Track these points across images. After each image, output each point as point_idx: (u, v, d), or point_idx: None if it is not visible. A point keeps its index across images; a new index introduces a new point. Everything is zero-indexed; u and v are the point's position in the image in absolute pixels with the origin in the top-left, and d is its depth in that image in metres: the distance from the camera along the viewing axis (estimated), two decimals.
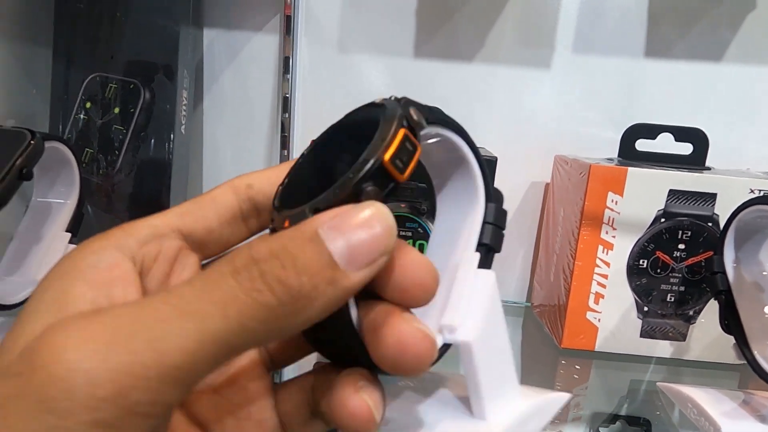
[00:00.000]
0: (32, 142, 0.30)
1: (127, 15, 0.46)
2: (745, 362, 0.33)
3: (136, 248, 0.16)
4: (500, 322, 0.19)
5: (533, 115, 0.51)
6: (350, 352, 0.15)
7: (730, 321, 0.34)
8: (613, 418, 0.44)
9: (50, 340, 0.12)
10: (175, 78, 0.47)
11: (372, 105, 0.17)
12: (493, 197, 0.19)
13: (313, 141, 0.18)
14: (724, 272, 0.35)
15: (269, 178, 0.18)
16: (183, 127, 0.49)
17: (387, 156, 0.14)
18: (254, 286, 0.12)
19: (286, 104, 0.52)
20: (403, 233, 0.42)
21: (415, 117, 0.15)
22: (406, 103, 0.16)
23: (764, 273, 0.34)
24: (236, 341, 0.12)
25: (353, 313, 0.15)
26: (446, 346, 0.17)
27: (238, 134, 0.55)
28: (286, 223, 0.15)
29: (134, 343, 0.12)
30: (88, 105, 0.46)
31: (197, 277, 0.13)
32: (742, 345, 0.33)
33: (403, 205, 0.42)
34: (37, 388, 0.11)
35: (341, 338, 0.15)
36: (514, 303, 0.55)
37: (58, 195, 0.37)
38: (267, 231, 0.17)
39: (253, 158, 0.55)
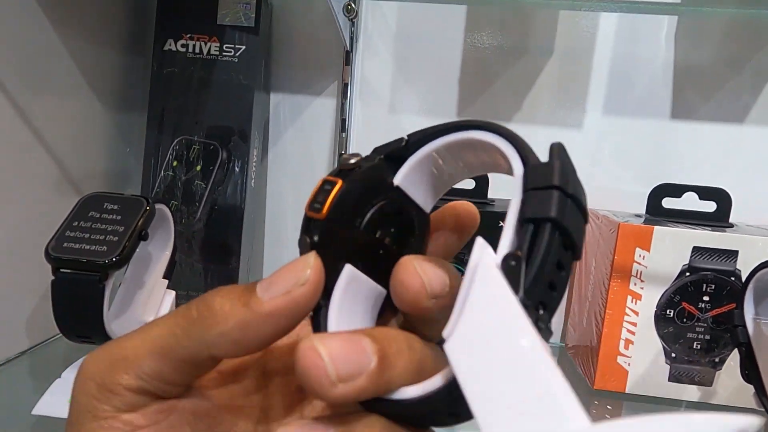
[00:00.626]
0: (148, 208, 0.37)
1: (209, 84, 0.54)
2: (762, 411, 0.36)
3: None
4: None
5: None
6: None
7: (750, 371, 0.37)
8: None
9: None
10: (248, 139, 0.54)
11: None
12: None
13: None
14: (744, 325, 0.38)
15: None
16: (253, 180, 0.55)
17: (306, 208, 0.17)
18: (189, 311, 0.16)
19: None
20: None
21: (349, 160, 0.18)
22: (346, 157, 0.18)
23: None
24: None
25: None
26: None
27: (298, 186, 0.61)
28: None
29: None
30: (174, 164, 0.54)
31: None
32: (761, 395, 0.36)
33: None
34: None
35: None
36: (551, 343, 0.59)
37: (158, 246, 0.43)
38: None
39: None
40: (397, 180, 0.18)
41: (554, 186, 0.15)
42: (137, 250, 0.44)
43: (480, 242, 0.15)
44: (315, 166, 0.60)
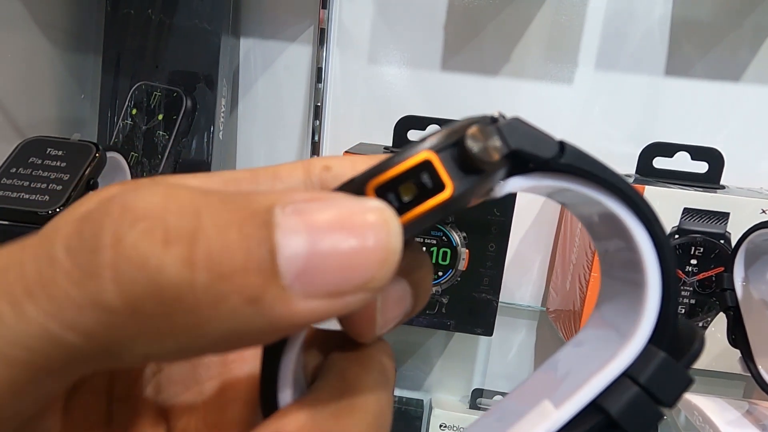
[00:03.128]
0: (98, 155, 0.33)
1: (171, 26, 0.49)
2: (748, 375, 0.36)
3: None
4: None
5: (554, 129, 0.53)
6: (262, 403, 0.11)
7: (737, 336, 0.36)
8: None
9: None
10: (215, 87, 0.49)
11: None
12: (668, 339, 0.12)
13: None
14: (733, 289, 0.37)
15: (349, 166, 0.13)
16: (221, 132, 0.51)
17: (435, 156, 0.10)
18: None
19: (317, 112, 0.54)
20: (428, 240, 0.45)
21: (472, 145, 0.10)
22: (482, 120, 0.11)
23: None
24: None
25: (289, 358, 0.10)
26: None
27: (270, 139, 0.58)
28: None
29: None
30: (134, 111, 0.49)
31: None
32: (748, 359, 0.35)
33: None
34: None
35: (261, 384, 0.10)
36: (530, 307, 0.58)
37: None
38: None
39: (284, 162, 0.58)
40: (505, 190, 0.12)
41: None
42: None
43: None
44: (288, 119, 0.57)
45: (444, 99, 0.54)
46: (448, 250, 0.45)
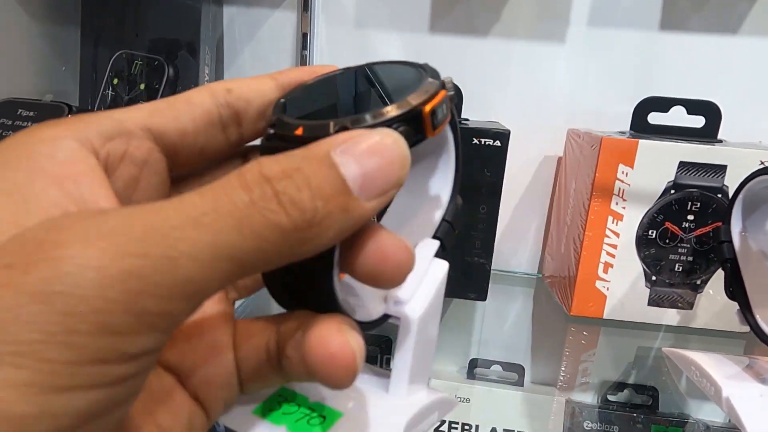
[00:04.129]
0: (69, 115, 0.32)
1: None
2: (749, 329, 0.35)
3: (99, 143, 0.14)
4: (438, 313, 0.19)
5: (548, 89, 0.52)
6: (320, 298, 0.14)
7: (735, 288, 0.35)
8: (621, 385, 0.45)
9: (55, 235, 0.10)
10: (197, 54, 0.48)
11: (406, 62, 0.17)
12: (456, 198, 0.19)
13: (334, 71, 0.18)
14: (730, 241, 0.36)
15: (251, 86, 0.16)
16: None
17: (428, 107, 0.14)
18: (268, 206, 0.11)
19: None
20: None
21: (451, 89, 0.16)
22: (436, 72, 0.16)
23: None
24: (248, 260, 0.11)
25: (336, 254, 0.14)
26: (385, 317, 0.17)
27: None
28: (299, 131, 0.14)
29: (147, 247, 0.10)
30: (115, 81, 0.48)
31: (207, 189, 0.11)
32: (746, 311, 0.34)
33: None
34: (37, 281, 0.10)
35: (315, 280, 0.14)
36: (527, 274, 0.57)
37: None
38: (258, 141, 0.16)
39: None
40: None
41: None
42: None
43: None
44: None
45: (434, 61, 0.52)
46: None
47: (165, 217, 0.11)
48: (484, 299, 0.46)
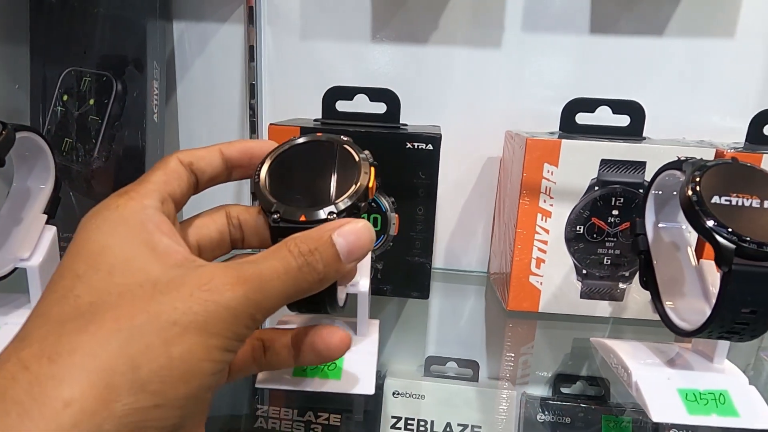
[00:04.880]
0: (3, 132, 0.34)
1: (97, 10, 0.49)
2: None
3: (161, 206, 0.22)
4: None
5: (487, 93, 0.54)
6: (330, 304, 0.25)
7: (648, 278, 0.37)
8: (574, 378, 0.47)
9: (214, 281, 0.19)
10: (144, 70, 0.50)
11: (328, 138, 0.27)
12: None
13: (285, 144, 0.27)
14: (644, 234, 0.38)
15: (205, 160, 0.25)
16: (155, 115, 0.52)
17: (371, 184, 0.25)
18: (306, 270, 0.21)
19: (252, 90, 0.55)
20: None
21: (370, 157, 0.26)
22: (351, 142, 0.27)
23: (680, 233, 0.37)
24: (294, 294, 0.21)
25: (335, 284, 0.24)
26: (348, 296, 0.29)
27: (211, 120, 0.58)
28: (302, 217, 0.24)
29: (263, 291, 0.20)
30: (65, 98, 0.50)
31: (274, 259, 0.21)
32: (656, 299, 0.36)
33: None
34: (204, 313, 0.18)
35: (324, 296, 0.24)
36: (476, 272, 0.59)
37: (36, 181, 0.40)
38: (273, 216, 0.24)
39: (224, 141, 0.58)
40: None
41: None
42: (14, 183, 0.40)
43: None
44: (226, 99, 0.57)
45: (376, 69, 0.54)
46: (378, 216, 0.46)
47: (264, 271, 0.20)
48: (427, 297, 0.48)
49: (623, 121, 0.46)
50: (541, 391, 0.47)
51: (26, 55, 0.50)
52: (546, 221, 0.44)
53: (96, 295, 0.18)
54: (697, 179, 0.30)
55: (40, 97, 0.50)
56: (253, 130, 0.56)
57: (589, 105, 0.46)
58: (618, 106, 0.46)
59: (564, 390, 0.47)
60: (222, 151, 0.26)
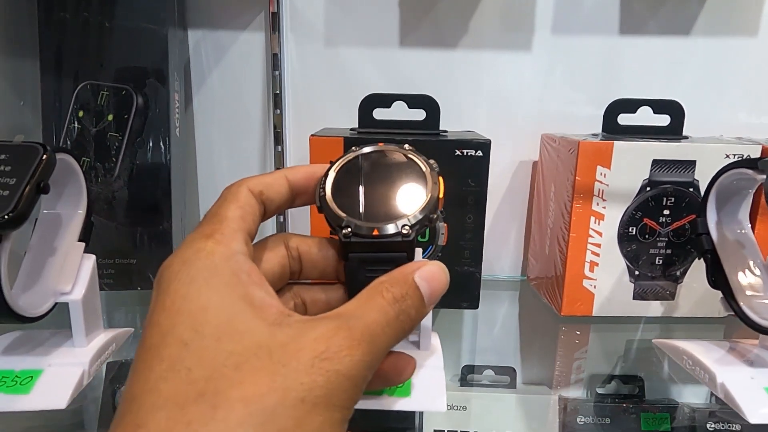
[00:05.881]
0: (45, 156, 0.31)
1: (113, 21, 0.46)
2: (730, 314, 0.36)
3: (245, 249, 0.21)
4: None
5: (518, 96, 0.53)
6: None
7: (717, 277, 0.37)
8: (610, 378, 0.47)
9: (332, 347, 0.18)
10: (166, 81, 0.47)
11: (388, 148, 0.26)
12: None
13: (347, 155, 0.26)
14: (708, 233, 0.37)
15: (274, 188, 0.24)
16: (177, 129, 0.49)
17: (440, 194, 0.24)
18: (400, 317, 0.20)
19: (277, 101, 0.53)
20: None
21: (436, 166, 0.25)
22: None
23: (743, 231, 0.37)
24: (393, 342, 0.20)
25: None
26: None
27: (230, 133, 0.55)
28: (375, 232, 0.23)
29: (375, 350, 0.19)
30: (80, 114, 0.46)
31: (373, 305, 0.20)
32: (729, 298, 0.36)
33: None
34: (328, 385, 0.17)
35: None
36: (511, 278, 0.58)
37: (67, 206, 0.37)
38: (343, 231, 0.23)
39: (247, 156, 0.55)
40: None
41: None
42: (42, 209, 0.37)
43: None
44: (247, 111, 0.55)
45: (405, 75, 0.53)
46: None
47: (371, 329, 0.19)
48: (477, 307, 0.47)
49: (663, 120, 0.46)
50: (579, 393, 0.46)
51: (35, 70, 0.46)
52: (599, 224, 0.43)
53: (209, 367, 0.17)
54: None
55: (52, 114, 0.46)
56: (278, 141, 0.53)
57: (631, 105, 0.46)
58: (659, 106, 0.46)
59: (600, 391, 0.47)
60: (288, 177, 0.25)
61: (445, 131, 0.47)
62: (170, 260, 0.20)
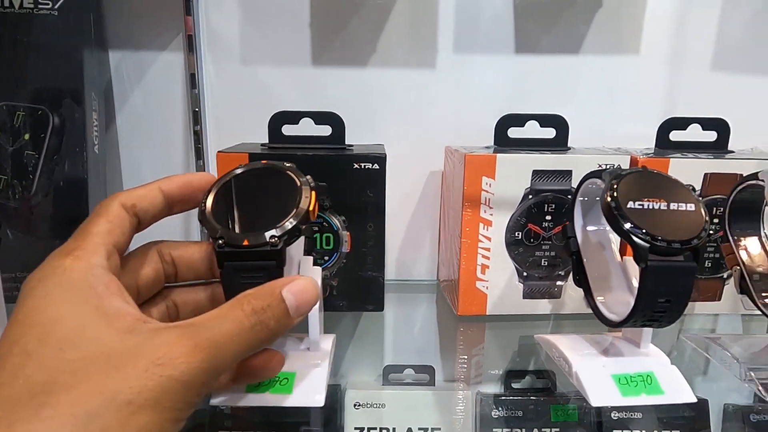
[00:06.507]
0: None
1: (28, 43, 0.48)
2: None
3: (107, 264, 0.23)
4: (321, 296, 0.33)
5: (425, 111, 0.57)
6: None
7: (580, 276, 0.41)
8: (522, 373, 0.50)
9: (169, 353, 0.20)
10: (82, 101, 0.49)
11: (271, 165, 0.30)
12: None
13: (230, 172, 0.29)
14: (575, 236, 0.41)
15: (147, 199, 0.27)
16: (96, 147, 0.51)
17: (311, 207, 0.27)
18: (258, 328, 0.23)
19: (196, 117, 0.55)
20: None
21: (313, 184, 0.29)
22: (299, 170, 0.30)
23: (605, 234, 0.41)
24: (247, 353, 0.23)
25: None
26: None
27: (154, 149, 0.58)
28: (246, 242, 0.26)
29: (218, 357, 0.21)
30: None
31: (228, 317, 0.22)
32: (588, 296, 0.40)
33: None
34: (158, 389, 0.19)
35: None
36: (426, 281, 0.61)
37: None
38: (218, 242, 0.26)
39: (171, 170, 0.58)
40: None
41: None
42: None
43: None
44: (170, 128, 0.57)
45: (319, 92, 0.56)
46: (330, 235, 0.47)
47: (217, 338, 0.21)
48: (382, 309, 0.50)
49: (549, 133, 0.50)
50: (494, 388, 0.50)
51: None
52: (487, 230, 0.47)
53: (48, 373, 0.18)
54: (615, 187, 0.34)
55: None
56: (199, 156, 0.56)
57: (519, 120, 0.50)
58: (545, 121, 0.50)
59: (515, 385, 0.50)
60: (161, 188, 0.27)
61: (351, 146, 0.50)
62: (29, 277, 0.22)
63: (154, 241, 0.28)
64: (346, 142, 0.50)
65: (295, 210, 0.27)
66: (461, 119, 0.57)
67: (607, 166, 0.46)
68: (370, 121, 0.57)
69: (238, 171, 0.30)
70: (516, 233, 0.47)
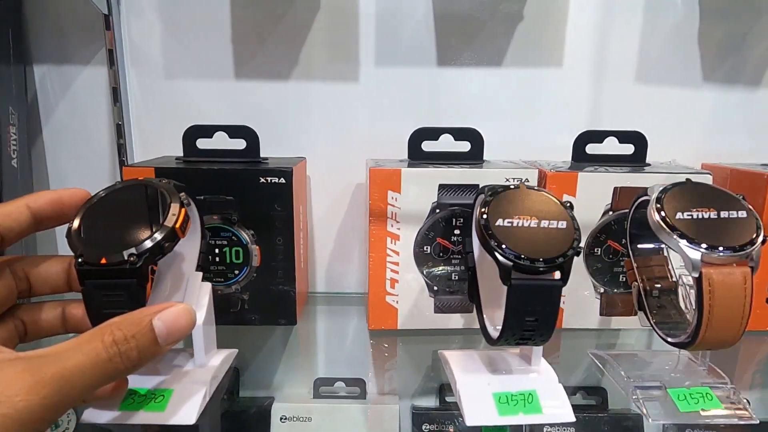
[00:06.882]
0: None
1: None
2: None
3: None
4: (210, 306, 0.35)
5: (348, 124, 0.57)
6: None
7: (473, 291, 0.40)
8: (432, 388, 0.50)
9: (7, 391, 0.19)
10: None
11: (146, 182, 0.30)
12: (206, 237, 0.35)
13: (103, 190, 0.30)
14: (471, 252, 0.41)
15: (11, 217, 0.27)
16: (14, 161, 0.51)
17: (178, 224, 0.28)
18: (117, 360, 0.22)
19: (120, 131, 0.55)
20: (219, 242, 0.47)
21: (187, 201, 0.29)
22: (175, 185, 0.30)
23: None
24: (102, 384, 0.22)
25: None
26: None
27: (81, 162, 0.58)
28: (103, 260, 0.26)
29: (63, 392, 0.20)
30: None
31: (84, 353, 0.22)
32: (478, 312, 0.40)
33: (215, 217, 0.46)
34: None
35: None
36: (356, 293, 0.61)
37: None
38: (78, 260, 0.26)
39: (97, 183, 0.58)
40: None
41: None
42: None
43: None
44: (95, 140, 0.57)
45: (241, 106, 0.56)
46: (240, 249, 0.47)
47: (63, 373, 0.21)
48: (294, 323, 0.50)
49: (464, 146, 0.50)
50: (430, 402, 0.49)
51: None
52: (395, 244, 0.47)
53: None
54: (488, 204, 0.34)
55: None
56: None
57: (434, 133, 0.50)
58: (459, 134, 0.50)
59: (449, 399, 0.50)
60: (29, 205, 0.27)
61: (266, 159, 0.50)
62: None
63: (7, 257, 0.28)
64: (269, 155, 0.50)
65: (158, 228, 0.27)
66: (383, 132, 0.57)
67: (514, 180, 0.46)
68: (296, 134, 0.57)
69: (112, 188, 0.30)
70: (424, 247, 0.47)
